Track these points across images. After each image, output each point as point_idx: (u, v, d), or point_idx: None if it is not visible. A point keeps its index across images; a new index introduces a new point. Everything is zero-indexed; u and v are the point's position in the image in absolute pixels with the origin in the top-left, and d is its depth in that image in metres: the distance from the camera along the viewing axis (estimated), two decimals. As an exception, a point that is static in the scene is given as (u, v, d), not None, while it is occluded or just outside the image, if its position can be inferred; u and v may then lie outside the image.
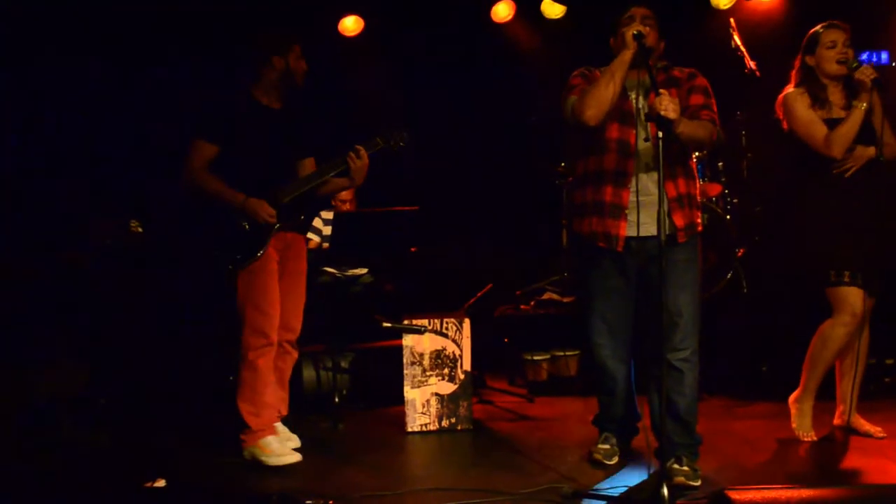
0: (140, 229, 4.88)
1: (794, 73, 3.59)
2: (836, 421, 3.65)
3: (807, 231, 3.51)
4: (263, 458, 3.39)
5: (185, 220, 3.70)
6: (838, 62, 3.43)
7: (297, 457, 3.43)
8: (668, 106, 2.83)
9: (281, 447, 3.44)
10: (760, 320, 4.75)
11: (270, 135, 3.49)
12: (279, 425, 3.64)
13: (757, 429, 3.77)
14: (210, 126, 3.47)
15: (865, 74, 3.34)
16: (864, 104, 3.35)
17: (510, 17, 6.10)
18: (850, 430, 3.59)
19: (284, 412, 3.71)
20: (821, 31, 3.49)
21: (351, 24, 6.12)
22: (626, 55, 3.01)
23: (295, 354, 3.69)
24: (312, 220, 3.65)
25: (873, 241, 3.41)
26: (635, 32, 2.98)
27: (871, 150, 3.41)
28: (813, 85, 3.49)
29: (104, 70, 5.36)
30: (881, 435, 3.51)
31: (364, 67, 6.11)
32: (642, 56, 2.97)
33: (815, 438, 3.53)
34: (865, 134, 3.40)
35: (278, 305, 3.49)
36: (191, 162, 3.44)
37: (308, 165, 3.66)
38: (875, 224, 3.43)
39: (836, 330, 3.48)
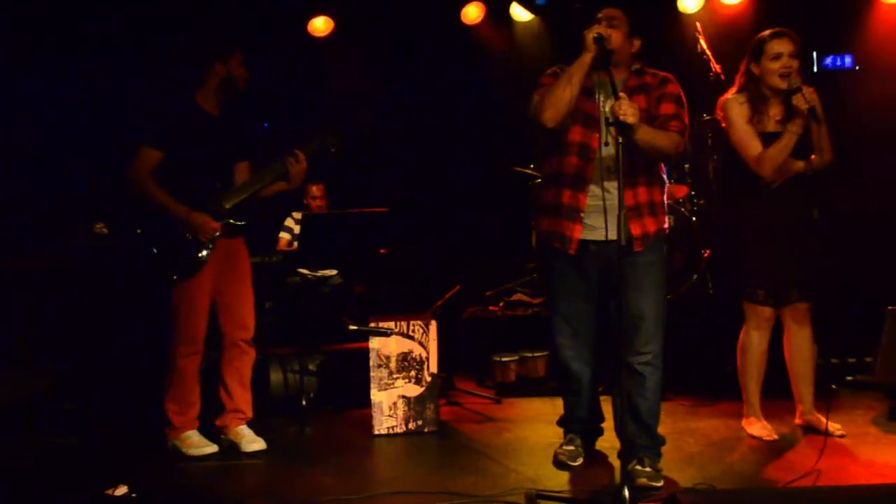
0: (105, 230, 4.83)
1: (737, 76, 3.55)
2: (797, 420, 3.72)
3: (737, 241, 3.57)
4: (184, 450, 3.58)
5: (135, 225, 3.71)
6: (781, 76, 3.36)
7: (213, 447, 3.59)
8: (626, 111, 2.81)
9: (200, 440, 3.59)
10: (725, 321, 4.79)
11: (210, 141, 3.55)
12: (244, 428, 3.66)
13: (721, 429, 3.82)
14: (155, 131, 3.52)
15: (801, 102, 3.27)
16: (798, 129, 3.32)
17: (480, 18, 6.11)
18: (810, 428, 3.65)
19: (249, 414, 3.73)
20: (767, 39, 3.41)
21: (320, 25, 6.10)
22: (586, 58, 2.98)
23: (252, 353, 3.72)
24: (253, 223, 3.71)
25: (798, 253, 3.45)
26: (595, 35, 2.95)
27: (801, 164, 3.42)
28: (754, 94, 3.45)
29: (64, 71, 5.30)
30: (840, 433, 3.56)
31: (334, 68, 6.09)
32: (603, 59, 2.95)
33: (775, 437, 3.58)
34: (798, 148, 3.38)
35: (206, 316, 3.59)
36: (135, 168, 3.50)
37: (242, 169, 3.71)
38: (802, 236, 3.47)
39: (750, 336, 3.61)
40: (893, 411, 3.89)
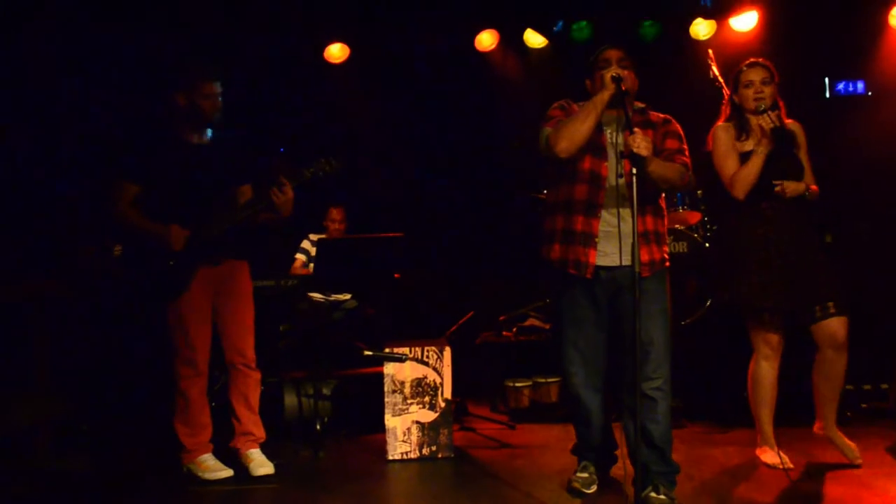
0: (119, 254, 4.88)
1: (723, 107, 3.75)
2: (816, 431, 3.68)
3: (732, 265, 3.58)
4: (199, 474, 3.60)
5: (127, 251, 3.81)
6: (755, 100, 3.56)
7: (229, 472, 3.61)
8: (640, 143, 2.94)
9: (216, 464, 3.61)
10: (739, 347, 4.78)
11: (192, 170, 3.57)
12: (254, 452, 3.69)
13: (735, 455, 3.81)
14: (131, 165, 3.59)
15: (766, 122, 3.46)
16: (763, 149, 3.47)
17: (494, 45, 6.17)
18: (847, 464, 3.60)
19: (259, 436, 3.75)
20: (742, 70, 3.63)
21: (336, 52, 6.18)
22: (605, 95, 3.10)
23: (254, 375, 3.73)
24: (256, 246, 3.81)
25: (800, 278, 3.47)
26: (614, 75, 3.09)
27: (802, 186, 3.52)
28: (738, 121, 3.64)
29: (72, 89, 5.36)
30: (858, 461, 3.55)
31: (350, 94, 6.17)
32: (620, 97, 3.07)
33: (790, 466, 3.56)
34: (795, 173, 3.52)
35: (208, 337, 3.62)
36: (114, 202, 3.57)
37: (246, 192, 3.76)
38: (801, 260, 3.49)
39: (760, 366, 3.62)
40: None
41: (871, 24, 5.63)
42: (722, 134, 3.64)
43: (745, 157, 3.55)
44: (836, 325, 3.50)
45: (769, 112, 3.49)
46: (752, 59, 3.64)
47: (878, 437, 3.94)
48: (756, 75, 3.58)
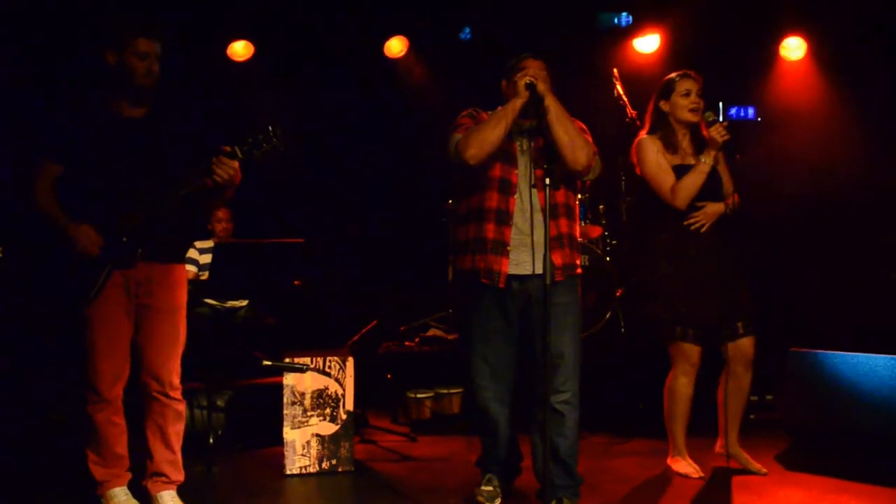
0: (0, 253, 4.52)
1: (647, 116, 3.75)
2: (718, 451, 3.77)
3: (655, 280, 3.64)
4: None
5: (36, 247, 3.32)
6: (691, 110, 3.59)
7: None
8: (537, 73, 3.07)
9: (128, 499, 3.12)
10: (637, 358, 4.90)
11: (124, 148, 3.02)
12: (165, 495, 3.16)
13: (634, 466, 3.86)
14: (51, 142, 3.06)
15: (719, 134, 3.49)
16: (710, 160, 3.53)
17: (403, 52, 6.13)
18: (742, 469, 3.69)
19: (175, 478, 3.19)
20: (676, 78, 3.64)
21: (240, 49, 5.98)
22: (518, 103, 3.09)
23: (175, 407, 3.16)
24: (188, 246, 3.23)
25: (721, 293, 3.55)
26: (528, 82, 3.07)
27: (721, 207, 3.59)
28: (665, 130, 3.65)
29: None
30: (762, 471, 3.66)
31: (252, 94, 5.96)
32: (533, 105, 3.05)
33: (702, 474, 3.63)
34: (713, 189, 3.58)
35: (117, 358, 3.06)
36: (32, 183, 3.03)
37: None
38: (722, 275, 3.57)
39: (678, 381, 3.67)
40: (795, 449, 4.04)
41: (763, 54, 5.93)
42: (650, 145, 3.63)
43: (675, 171, 3.57)
44: (748, 344, 3.61)
45: (718, 124, 3.51)
46: (684, 71, 3.66)
47: (766, 446, 4.08)
48: (693, 85, 3.60)
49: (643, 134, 3.71)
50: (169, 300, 3.14)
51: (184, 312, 3.21)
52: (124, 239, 3.00)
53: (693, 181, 3.52)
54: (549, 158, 2.91)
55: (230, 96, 5.91)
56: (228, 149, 2.95)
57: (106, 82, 3.05)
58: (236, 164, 2.96)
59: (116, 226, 3.00)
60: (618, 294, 5.20)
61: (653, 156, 3.61)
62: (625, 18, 5.88)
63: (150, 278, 3.10)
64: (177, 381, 3.17)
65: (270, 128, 2.96)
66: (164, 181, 3.01)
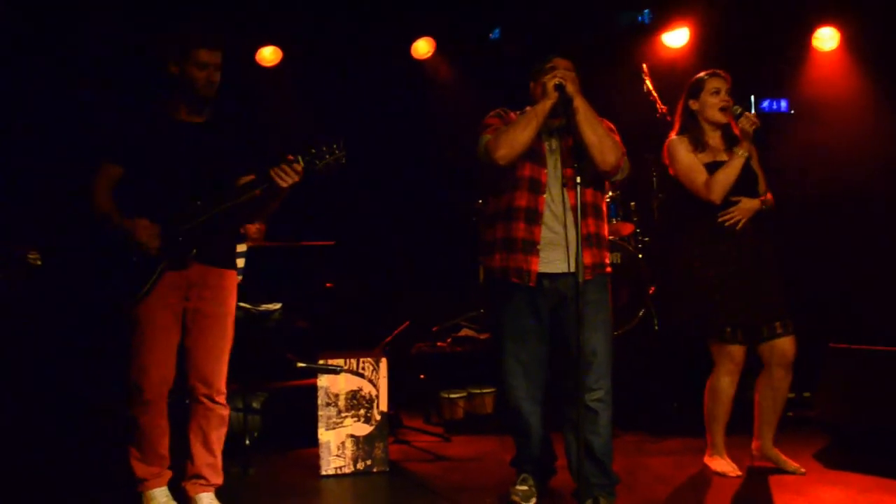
0: (39, 262, 4.60)
1: (676, 116, 3.75)
2: (754, 454, 3.73)
3: (694, 281, 3.59)
4: None
5: (84, 252, 3.38)
6: (721, 109, 3.59)
7: None
8: (565, 74, 3.04)
9: (167, 500, 3.14)
10: (670, 357, 4.86)
11: (183, 153, 3.05)
12: (204, 497, 3.18)
13: (669, 465, 3.83)
14: (112, 145, 3.09)
15: (749, 122, 3.50)
16: (745, 152, 3.51)
17: (430, 53, 6.14)
18: (766, 461, 3.67)
19: (214, 481, 3.20)
20: (705, 77, 3.64)
21: (269, 55, 6.03)
22: (547, 104, 3.09)
23: (219, 411, 3.17)
24: (234, 250, 3.24)
25: (758, 292, 3.52)
26: (557, 83, 3.06)
27: (757, 203, 3.56)
28: (694, 129, 3.64)
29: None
30: (800, 471, 3.61)
31: (281, 99, 6.02)
32: (562, 105, 3.06)
33: (740, 473, 3.60)
34: (749, 186, 3.55)
35: (164, 359, 3.06)
36: (92, 185, 3.06)
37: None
38: (760, 274, 3.54)
39: (721, 381, 3.62)
40: (833, 447, 3.98)
41: (795, 46, 5.84)
42: (681, 145, 3.63)
43: (707, 169, 3.55)
44: (788, 344, 3.56)
45: (746, 113, 3.50)
46: (713, 70, 3.65)
47: (804, 444, 4.04)
48: (722, 84, 3.60)
49: (673, 134, 3.70)
50: (220, 305, 3.15)
51: (233, 318, 3.21)
52: (180, 238, 3.01)
53: (727, 174, 3.50)
54: (578, 157, 2.94)
55: (260, 102, 5.97)
56: (292, 157, 2.97)
57: (167, 90, 3.09)
58: (300, 168, 2.97)
59: (172, 226, 3.01)
60: (651, 292, 5.16)
61: (684, 154, 3.59)
62: (647, 16, 5.83)
63: (203, 281, 3.11)
64: (223, 386, 3.19)
65: (335, 143, 3.01)
66: (221, 186, 3.05)
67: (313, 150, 2.99)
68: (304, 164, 2.98)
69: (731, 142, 3.60)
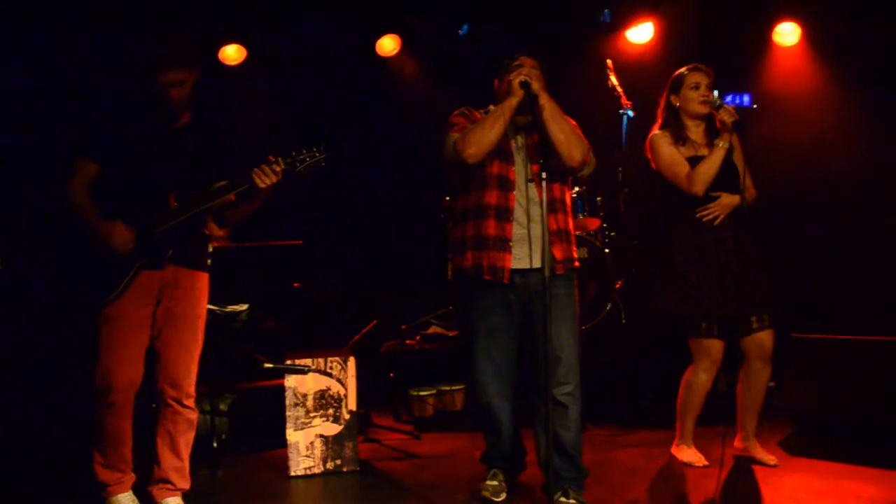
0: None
1: (659, 111, 3.76)
2: (737, 444, 3.77)
3: (674, 275, 3.61)
4: None
5: (49, 250, 3.32)
6: (701, 103, 3.61)
7: None
8: (531, 72, 3.04)
9: None
10: (638, 350, 4.90)
11: (160, 152, 3.05)
12: (170, 501, 3.16)
13: (639, 457, 3.86)
14: (89, 142, 3.09)
15: (729, 114, 3.51)
16: (725, 143, 3.53)
17: (395, 51, 6.11)
18: (747, 457, 3.70)
19: (180, 486, 3.18)
20: (686, 72, 3.66)
21: (232, 53, 5.96)
22: (513, 101, 3.10)
23: (187, 415, 3.16)
24: (207, 253, 3.23)
25: (738, 287, 3.53)
26: (522, 80, 3.07)
27: (737, 199, 3.57)
28: (676, 124, 3.67)
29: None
30: (773, 463, 3.64)
31: (246, 98, 5.95)
32: (528, 103, 3.06)
33: (706, 463, 3.64)
34: (730, 181, 3.56)
35: (133, 360, 3.03)
36: (67, 181, 3.04)
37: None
38: (739, 269, 3.56)
39: (698, 376, 3.65)
40: (798, 435, 4.03)
41: (756, 41, 5.91)
42: (662, 139, 3.65)
43: (689, 163, 3.57)
44: (767, 338, 3.59)
45: (725, 106, 3.53)
46: (694, 64, 3.67)
47: (770, 432, 4.09)
48: (703, 78, 3.62)
49: (656, 129, 3.72)
50: (193, 307, 3.14)
51: (204, 321, 3.20)
52: (156, 239, 3.01)
53: (709, 166, 3.51)
54: (544, 154, 2.96)
55: (225, 101, 5.90)
56: (272, 158, 3.01)
57: (152, 101, 3.08)
58: (279, 170, 3.01)
59: (148, 226, 3.01)
60: (617, 286, 5.19)
61: (666, 148, 3.62)
62: (607, 15, 5.88)
63: (176, 282, 3.10)
64: (192, 389, 3.17)
65: (315, 146, 3.08)
66: (198, 187, 3.06)
67: (294, 152, 3.04)
68: (285, 165, 3.02)
69: (712, 137, 3.62)
